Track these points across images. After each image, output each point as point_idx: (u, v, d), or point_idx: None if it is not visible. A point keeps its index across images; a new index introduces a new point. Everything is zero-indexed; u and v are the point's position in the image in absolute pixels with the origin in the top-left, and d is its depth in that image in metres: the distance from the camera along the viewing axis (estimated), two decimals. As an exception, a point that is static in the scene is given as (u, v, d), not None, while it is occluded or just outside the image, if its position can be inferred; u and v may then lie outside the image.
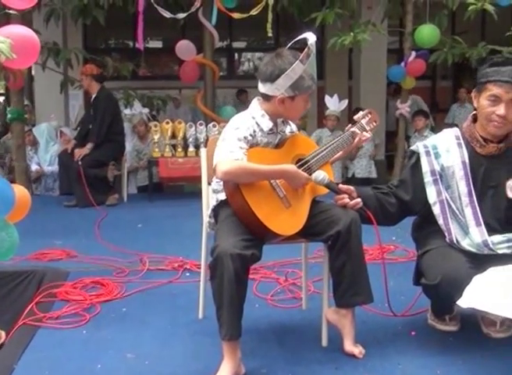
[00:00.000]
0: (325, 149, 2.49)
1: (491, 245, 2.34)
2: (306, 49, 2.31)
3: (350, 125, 2.64)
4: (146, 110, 7.12)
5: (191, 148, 6.29)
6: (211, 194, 2.58)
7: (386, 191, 2.59)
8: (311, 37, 2.34)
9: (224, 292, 2.12)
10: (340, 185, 2.44)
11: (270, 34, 6.25)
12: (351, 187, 2.45)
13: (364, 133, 2.57)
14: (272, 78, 2.32)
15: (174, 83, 9.72)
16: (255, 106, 2.44)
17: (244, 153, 2.27)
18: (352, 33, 6.24)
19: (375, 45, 7.27)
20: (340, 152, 2.56)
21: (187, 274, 3.59)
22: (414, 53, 6.81)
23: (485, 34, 10.08)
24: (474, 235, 2.38)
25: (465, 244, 2.40)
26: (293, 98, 2.35)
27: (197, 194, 6.55)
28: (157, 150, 6.26)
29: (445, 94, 10.98)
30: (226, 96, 10.04)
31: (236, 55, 11.44)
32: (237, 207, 2.25)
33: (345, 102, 7.06)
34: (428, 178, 2.51)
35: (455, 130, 2.59)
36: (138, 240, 4.48)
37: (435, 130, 7.56)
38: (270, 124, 2.40)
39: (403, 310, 2.81)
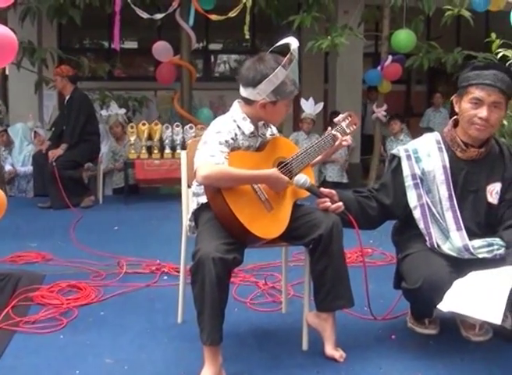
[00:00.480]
0: (305, 152, 2.48)
1: (471, 250, 2.36)
2: (288, 55, 2.30)
3: (329, 128, 2.64)
4: (122, 111, 7.05)
5: (167, 150, 6.26)
6: (192, 198, 2.55)
7: (367, 195, 2.59)
8: (293, 43, 2.33)
9: (205, 297, 2.10)
10: (322, 189, 2.43)
11: (247, 36, 6.24)
12: (333, 191, 2.45)
13: (345, 137, 2.57)
14: (253, 83, 2.30)
15: (149, 85, 9.65)
16: (236, 109, 2.42)
17: (225, 157, 2.26)
18: (329, 37, 6.26)
19: (352, 49, 7.31)
20: (320, 155, 2.55)
21: (165, 277, 3.55)
22: (390, 57, 6.87)
23: (459, 40, 10.22)
24: (454, 239, 2.39)
25: (446, 248, 2.41)
26: (275, 103, 2.35)
27: (173, 197, 6.64)
28: (133, 151, 6.21)
29: (419, 98, 11.11)
30: (202, 98, 10.01)
31: (213, 57, 11.41)
32: (218, 210, 2.23)
33: (320, 105, 7.08)
34: (408, 182, 2.52)
35: (436, 135, 2.60)
36: (114, 242, 4.43)
37: (409, 133, 7.63)
38: (251, 127, 2.39)
39: (384, 314, 2.81)
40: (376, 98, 7.81)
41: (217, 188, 2.21)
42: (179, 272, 3.51)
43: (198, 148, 2.35)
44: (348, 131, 2.65)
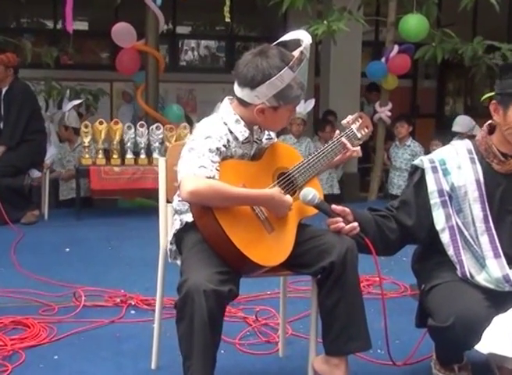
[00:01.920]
0: (311, 161, 2.48)
1: (513, 281, 2.36)
2: (299, 53, 2.28)
3: (337, 132, 2.64)
4: (76, 102, 6.93)
5: (129, 155, 6.23)
6: (173, 216, 2.52)
7: (385, 214, 2.59)
8: (305, 38, 2.32)
9: (194, 338, 2.07)
10: (333, 206, 2.42)
11: (228, 19, 6.23)
12: (346, 209, 2.44)
13: (357, 146, 2.58)
14: (252, 84, 2.28)
15: (103, 75, 9.63)
16: (227, 109, 2.40)
17: (217, 168, 2.23)
18: (325, 22, 6.30)
19: (349, 36, 7.35)
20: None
21: (132, 312, 3.52)
22: (396, 47, 6.94)
23: (476, 27, 10.38)
24: (492, 269, 2.39)
25: (481, 279, 2.41)
26: (276, 109, 2.33)
27: (133, 212, 6.62)
28: (87, 156, 6.14)
29: (428, 96, 11.25)
30: (168, 91, 10.00)
31: (180, 42, 11.40)
32: (208, 232, 2.21)
33: (311, 102, 7.11)
34: (434, 199, 2.52)
35: (466, 143, 2.60)
36: (67, 268, 4.38)
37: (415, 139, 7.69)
38: (246, 132, 2.37)
39: (404, 358, 2.80)
40: (377, 99, 7.86)
41: (207, 206, 2.18)
42: (149, 305, 3.55)
43: (182, 155, 2.32)
44: (359, 136, 2.65)
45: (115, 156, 6.17)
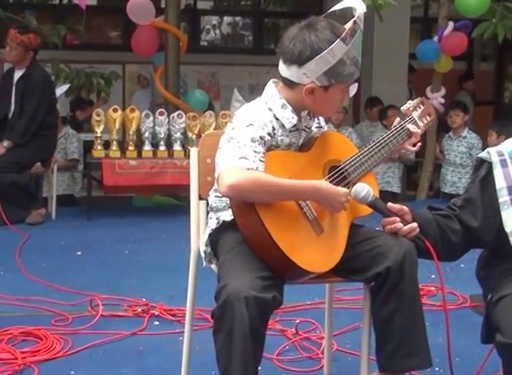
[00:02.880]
0: (366, 153, 2.50)
1: None
2: (351, 23, 2.30)
3: (398, 119, 2.65)
4: (65, 87, 6.99)
5: (147, 147, 6.29)
6: (206, 214, 2.56)
7: (447, 214, 2.59)
8: (358, 6, 2.33)
9: (234, 351, 2.09)
10: (390, 204, 2.43)
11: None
12: (404, 207, 2.45)
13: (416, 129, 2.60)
14: (300, 60, 2.30)
15: (115, 56, 9.72)
16: (272, 93, 2.42)
17: (261, 159, 2.25)
18: (370, -5, 6.29)
19: (395, 11, 7.33)
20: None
21: (156, 323, 3.57)
22: (451, 24, 6.93)
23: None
24: None
25: (558, 287, 2.41)
26: (327, 89, 2.35)
27: (151, 211, 6.68)
28: (100, 148, 6.21)
29: (485, 81, 11.18)
30: (188, 75, 10.07)
31: (202, 19, 11.46)
32: (250, 233, 2.23)
33: (355, 86, 7.08)
34: (504, 197, 2.51)
35: (539, 131, 2.61)
36: (79, 273, 4.44)
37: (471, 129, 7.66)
38: (294, 119, 2.39)
39: (467, 377, 2.81)
40: (413, 80, 7.84)
41: (248, 202, 2.21)
42: (174, 315, 3.60)
43: (221, 146, 2.35)
44: (421, 124, 2.67)
45: (131, 148, 6.24)
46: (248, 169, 2.21)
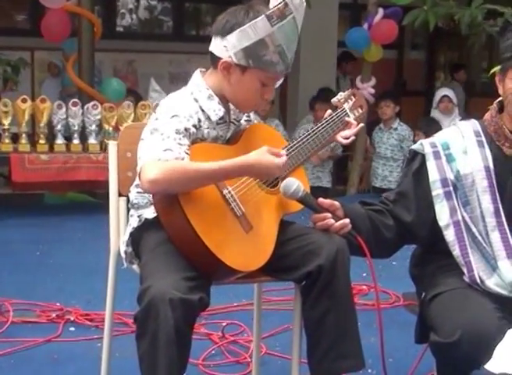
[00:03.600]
0: (295, 146, 2.52)
1: (530, 285, 2.44)
2: (281, 5, 2.31)
3: (329, 111, 2.69)
4: None
5: (59, 140, 6.24)
6: (127, 212, 2.55)
7: (380, 209, 2.63)
8: None
9: (159, 356, 2.09)
10: (320, 199, 2.46)
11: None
12: (335, 203, 2.48)
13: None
14: (223, 31, 2.34)
15: (22, 41, 9.52)
16: (198, 83, 2.43)
17: (186, 151, 2.26)
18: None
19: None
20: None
21: (72, 329, 3.55)
22: (381, 11, 7.05)
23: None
24: (504, 271, 2.46)
25: (492, 283, 2.48)
26: (244, 71, 2.36)
27: (64, 209, 6.59)
28: (7, 141, 6.10)
29: (416, 70, 11.40)
30: (103, 62, 9.95)
31: (117, 3, 11.33)
32: (175, 230, 2.23)
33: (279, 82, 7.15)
34: (437, 190, 2.57)
35: (473, 123, 2.67)
36: (-14, 277, 4.36)
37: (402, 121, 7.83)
38: (220, 110, 2.41)
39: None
40: (354, 70, 7.97)
41: (173, 197, 2.21)
42: (92, 320, 3.58)
43: (143, 137, 2.34)
44: (353, 117, 2.71)
45: (41, 142, 6.17)
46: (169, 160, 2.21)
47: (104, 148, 6.23)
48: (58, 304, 3.78)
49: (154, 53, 10.43)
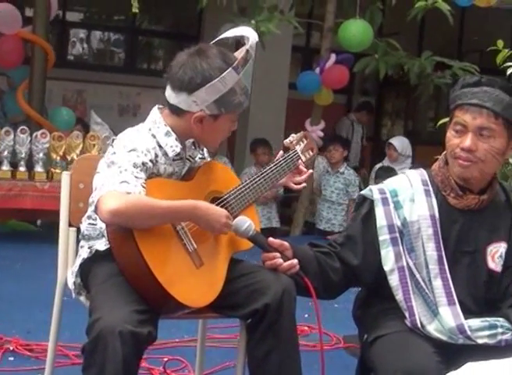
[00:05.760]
0: (250, 184, 2.59)
1: (468, 332, 2.50)
2: (244, 53, 2.40)
3: (281, 152, 2.76)
4: None
5: (5, 167, 6.21)
6: (78, 242, 2.57)
7: (328, 251, 2.68)
8: (251, 35, 2.43)
9: (105, 388, 2.11)
10: (270, 238, 2.51)
11: (136, 10, 6.35)
12: (285, 243, 2.54)
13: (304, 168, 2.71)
14: (190, 87, 2.38)
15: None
16: (156, 120, 2.48)
17: (142, 185, 2.31)
18: (253, 22, 6.48)
19: (276, 40, 7.54)
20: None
21: (11, 358, 3.52)
22: (334, 56, 7.20)
23: (423, 40, 10.86)
24: (445, 317, 2.53)
25: (432, 329, 2.54)
26: (217, 118, 2.43)
27: (4, 238, 6.50)
28: (-50, 166, 6.05)
29: (364, 115, 11.58)
30: (52, 91, 9.92)
31: (71, 32, 11.34)
32: (127, 262, 2.27)
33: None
34: (384, 236, 2.63)
35: (421, 173, 2.75)
36: None
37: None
38: (177, 148, 2.46)
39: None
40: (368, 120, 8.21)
41: (128, 230, 2.25)
42: (31, 351, 3.55)
43: (99, 170, 2.38)
44: (304, 159, 2.78)
45: (-14, 167, 6.11)
46: (129, 193, 2.26)
47: (50, 177, 6.22)
48: (-3, 333, 3.74)
49: (104, 84, 10.43)
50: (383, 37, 7.78)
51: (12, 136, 6.17)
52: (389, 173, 7.22)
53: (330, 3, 7.15)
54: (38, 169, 6.21)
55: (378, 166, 8.07)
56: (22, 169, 6.20)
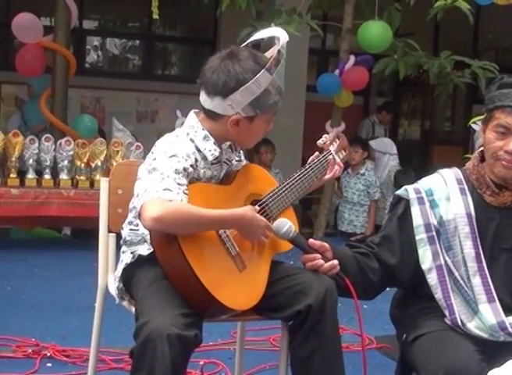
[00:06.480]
0: (286, 187, 2.60)
1: (509, 329, 2.50)
2: (276, 53, 2.41)
3: (317, 153, 2.77)
4: None
5: (31, 175, 6.24)
6: (116, 248, 2.60)
7: (366, 252, 2.70)
8: (282, 36, 2.45)
9: (154, 392, 2.13)
10: (311, 240, 2.53)
11: (156, 16, 6.39)
12: (326, 244, 2.55)
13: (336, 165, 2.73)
14: (225, 91, 2.39)
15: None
16: (194, 124, 2.50)
17: (184, 191, 2.32)
18: (273, 25, 6.48)
19: (293, 43, 7.54)
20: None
21: (49, 365, 3.53)
22: (353, 58, 7.20)
23: (438, 39, 10.84)
24: (485, 315, 2.54)
25: (473, 326, 2.55)
26: (253, 119, 2.45)
27: (32, 245, 6.55)
28: (-22, 175, 6.09)
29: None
30: (70, 98, 9.96)
31: (88, 39, 11.39)
32: (172, 268, 2.28)
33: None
34: (421, 235, 2.65)
35: (456, 172, 2.77)
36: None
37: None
38: (216, 151, 2.48)
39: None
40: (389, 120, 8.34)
41: (171, 235, 2.27)
42: (68, 357, 3.58)
43: (140, 176, 2.40)
44: (338, 160, 2.79)
45: (12, 175, 6.15)
46: (172, 201, 2.27)
47: (75, 184, 6.26)
48: (33, 339, 3.76)
49: (121, 91, 10.48)
50: (400, 38, 7.78)
51: (36, 144, 6.22)
52: (406, 175, 7.27)
53: (348, 4, 7.14)
54: (63, 176, 6.25)
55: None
56: (47, 176, 6.24)
